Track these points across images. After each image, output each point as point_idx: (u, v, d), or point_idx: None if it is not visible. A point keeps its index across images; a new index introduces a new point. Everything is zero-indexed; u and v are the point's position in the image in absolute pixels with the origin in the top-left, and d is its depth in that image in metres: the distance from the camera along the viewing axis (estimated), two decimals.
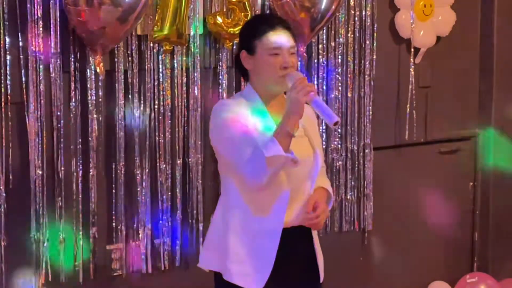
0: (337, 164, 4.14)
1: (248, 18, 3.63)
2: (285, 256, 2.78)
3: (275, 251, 2.74)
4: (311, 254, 2.89)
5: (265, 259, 2.75)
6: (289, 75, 2.71)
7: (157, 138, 3.61)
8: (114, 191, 3.55)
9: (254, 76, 2.82)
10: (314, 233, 2.91)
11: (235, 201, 2.77)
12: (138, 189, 3.58)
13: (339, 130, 4.12)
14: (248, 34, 2.82)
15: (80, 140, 3.42)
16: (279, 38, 2.75)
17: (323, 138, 4.05)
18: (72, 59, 3.37)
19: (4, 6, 3.20)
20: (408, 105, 4.35)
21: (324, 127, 4.05)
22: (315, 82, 4.02)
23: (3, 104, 3.25)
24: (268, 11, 3.82)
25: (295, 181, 2.77)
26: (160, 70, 3.59)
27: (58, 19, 3.28)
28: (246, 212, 2.76)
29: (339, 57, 4.07)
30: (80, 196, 3.44)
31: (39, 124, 3.31)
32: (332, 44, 4.04)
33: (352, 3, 4.07)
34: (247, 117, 2.73)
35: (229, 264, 2.76)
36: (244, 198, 2.75)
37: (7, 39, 3.22)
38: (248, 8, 3.67)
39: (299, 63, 3.91)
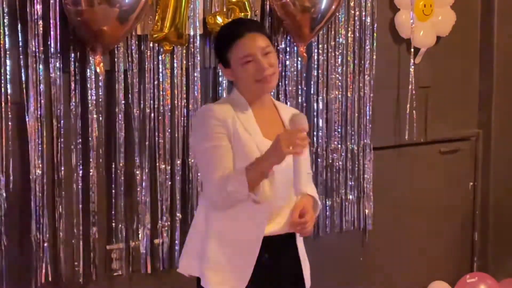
0: (337, 164, 4.14)
1: (248, 18, 3.63)
2: (270, 264, 2.76)
3: (254, 260, 2.71)
4: (296, 263, 2.85)
5: (244, 267, 2.72)
6: (296, 119, 2.60)
7: (157, 138, 3.61)
8: (114, 191, 3.55)
9: (237, 84, 2.79)
10: (300, 241, 2.87)
11: (215, 209, 2.75)
12: (138, 189, 3.58)
13: (339, 130, 4.12)
14: (219, 48, 2.79)
15: (80, 140, 3.43)
16: (248, 44, 2.69)
17: (323, 138, 4.05)
18: (72, 59, 3.37)
19: (4, 6, 3.20)
20: (408, 105, 4.35)
21: (324, 127, 4.05)
22: (316, 82, 4.01)
23: (3, 104, 3.25)
24: (268, 11, 3.81)
25: (280, 190, 2.71)
26: (160, 70, 3.59)
27: (58, 19, 3.28)
28: (227, 220, 2.72)
29: (339, 57, 4.07)
30: (80, 196, 3.44)
31: (39, 124, 3.31)
32: (332, 44, 4.04)
33: (352, 3, 4.07)
34: (231, 124, 2.68)
35: (206, 271, 2.73)
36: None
37: (7, 39, 3.22)
38: (248, 8, 3.67)
39: (299, 62, 3.92)
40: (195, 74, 3.66)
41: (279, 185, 2.70)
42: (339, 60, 4.07)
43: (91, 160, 3.45)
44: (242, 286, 2.72)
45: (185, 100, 3.66)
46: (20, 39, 3.25)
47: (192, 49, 3.63)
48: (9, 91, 3.25)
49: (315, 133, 4.03)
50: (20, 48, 3.26)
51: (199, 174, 3.68)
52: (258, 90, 2.73)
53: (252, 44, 2.70)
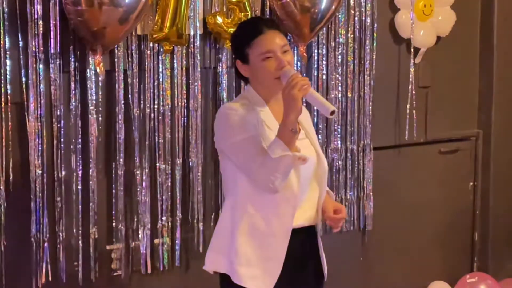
0: (337, 164, 4.14)
1: (248, 18, 3.63)
2: (293, 255, 2.79)
3: (284, 253, 2.75)
4: (316, 253, 2.91)
5: (275, 261, 2.75)
6: (283, 73, 2.70)
7: (157, 138, 3.61)
8: (114, 191, 3.55)
9: (254, 81, 2.82)
10: (319, 235, 2.93)
11: (244, 203, 2.76)
12: (138, 189, 3.58)
13: (339, 130, 4.12)
14: (238, 43, 2.82)
15: (80, 140, 3.42)
16: (269, 41, 2.74)
17: (323, 138, 4.05)
18: (72, 59, 3.37)
19: (4, 6, 3.20)
20: (408, 105, 4.35)
21: (324, 127, 4.05)
22: (316, 82, 4.02)
23: (3, 104, 3.25)
24: (268, 11, 3.82)
25: (303, 182, 2.77)
26: (160, 70, 3.59)
27: (58, 19, 3.28)
28: (256, 215, 2.75)
29: (339, 57, 4.07)
30: (80, 196, 3.44)
31: (39, 124, 3.31)
32: (332, 44, 4.04)
33: (352, 3, 4.07)
34: (253, 119, 2.73)
35: (238, 266, 2.75)
36: (254, 201, 2.74)
37: (7, 39, 3.22)
38: (248, 8, 3.67)
39: (299, 63, 3.92)
40: (195, 74, 3.66)
41: (302, 178, 2.75)
42: (339, 60, 4.07)
43: (91, 160, 3.45)
44: (273, 279, 2.75)
45: (185, 100, 3.66)
46: (20, 39, 3.25)
47: (192, 49, 3.63)
48: (9, 91, 3.25)
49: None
50: (20, 48, 3.26)
51: (199, 173, 3.69)
52: (276, 88, 2.75)
53: (272, 41, 2.74)
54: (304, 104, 2.81)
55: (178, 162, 3.66)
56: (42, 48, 3.27)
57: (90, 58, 3.38)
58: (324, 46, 4.01)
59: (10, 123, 3.28)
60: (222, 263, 2.82)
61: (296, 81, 2.63)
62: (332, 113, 2.64)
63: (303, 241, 2.83)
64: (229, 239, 2.78)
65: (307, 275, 2.87)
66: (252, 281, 2.75)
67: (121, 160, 3.52)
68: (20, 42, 3.25)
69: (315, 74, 4.01)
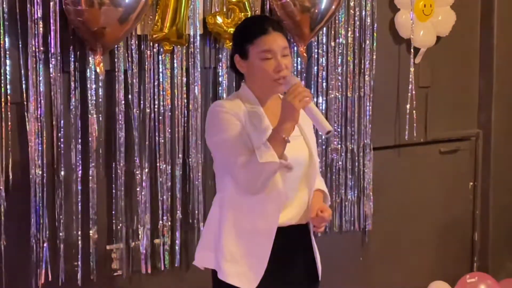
0: (337, 164, 4.14)
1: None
2: (284, 254, 2.79)
3: (269, 251, 2.74)
4: (310, 252, 2.89)
5: (259, 258, 2.75)
6: (286, 80, 2.70)
7: (157, 138, 3.61)
8: (114, 191, 3.55)
9: (249, 79, 2.82)
10: (311, 231, 2.92)
11: (231, 200, 2.77)
12: (138, 189, 3.58)
13: (339, 130, 4.12)
14: (240, 38, 2.81)
15: (80, 140, 3.43)
16: (271, 41, 2.73)
17: (323, 138, 4.05)
18: (72, 59, 3.37)
19: (4, 6, 3.20)
20: (408, 105, 4.35)
21: None
22: (315, 82, 4.02)
23: (3, 104, 3.25)
24: (268, 11, 3.82)
25: (291, 181, 2.76)
26: (160, 70, 3.59)
27: (58, 19, 3.28)
28: (241, 212, 2.75)
29: (339, 57, 4.07)
30: (80, 196, 3.44)
31: (39, 124, 3.31)
32: (332, 44, 4.04)
33: (352, 3, 4.07)
34: (243, 118, 2.73)
35: (223, 263, 2.77)
36: (240, 198, 2.75)
37: (7, 39, 3.22)
38: (248, 8, 3.67)
39: (299, 63, 3.92)
40: (195, 74, 3.66)
41: (289, 177, 2.75)
42: (339, 60, 4.07)
43: (91, 160, 3.45)
44: (257, 277, 2.75)
45: (185, 100, 3.66)
46: (20, 39, 3.25)
47: (192, 49, 3.64)
48: (9, 91, 3.25)
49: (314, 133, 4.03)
50: (20, 48, 3.26)
51: (199, 173, 3.69)
52: (271, 89, 2.76)
53: (275, 42, 2.74)
54: None
55: (178, 162, 3.66)
56: (42, 48, 3.27)
57: (90, 58, 3.38)
58: (324, 46, 4.02)
59: (10, 123, 3.28)
60: (210, 259, 2.83)
61: (299, 91, 2.63)
62: (328, 133, 2.64)
63: (292, 239, 2.82)
64: (216, 235, 2.80)
65: (298, 274, 2.85)
66: (236, 278, 2.75)
67: (121, 160, 3.53)
68: (20, 42, 3.25)
69: (315, 74, 4.01)
